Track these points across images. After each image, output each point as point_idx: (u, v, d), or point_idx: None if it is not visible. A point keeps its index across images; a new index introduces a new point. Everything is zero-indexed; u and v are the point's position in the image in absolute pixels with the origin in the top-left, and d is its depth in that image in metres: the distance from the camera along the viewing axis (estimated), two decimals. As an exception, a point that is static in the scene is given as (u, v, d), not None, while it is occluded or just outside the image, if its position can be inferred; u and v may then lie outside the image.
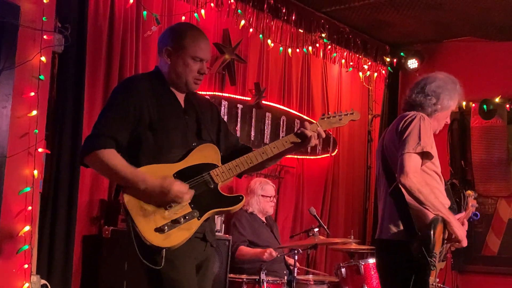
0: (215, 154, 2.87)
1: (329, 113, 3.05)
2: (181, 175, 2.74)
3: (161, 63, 2.94)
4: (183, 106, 2.93)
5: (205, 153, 2.84)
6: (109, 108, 2.82)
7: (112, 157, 2.68)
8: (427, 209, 3.09)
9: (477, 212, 3.63)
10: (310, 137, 2.89)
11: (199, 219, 2.72)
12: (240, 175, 3.01)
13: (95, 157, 2.69)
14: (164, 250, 2.64)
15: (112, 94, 2.90)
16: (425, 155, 3.13)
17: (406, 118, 3.23)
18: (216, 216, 3.41)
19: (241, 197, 2.83)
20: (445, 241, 3.17)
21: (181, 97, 2.94)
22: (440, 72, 3.50)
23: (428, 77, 3.43)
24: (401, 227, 3.13)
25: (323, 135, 2.94)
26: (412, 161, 3.07)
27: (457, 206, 3.43)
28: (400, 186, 3.09)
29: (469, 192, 3.70)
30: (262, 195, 5.59)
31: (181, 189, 2.66)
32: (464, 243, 3.19)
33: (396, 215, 3.16)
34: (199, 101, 3.04)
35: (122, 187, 2.73)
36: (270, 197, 5.61)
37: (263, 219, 5.66)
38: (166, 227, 2.64)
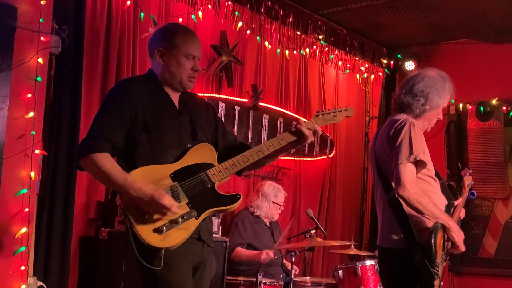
0: (211, 153, 2.87)
1: (324, 110, 3.04)
2: (178, 175, 2.74)
3: (153, 65, 2.94)
4: (177, 107, 2.93)
5: (202, 153, 2.85)
6: (104, 111, 2.82)
7: (106, 161, 2.69)
8: (427, 217, 3.08)
9: (473, 191, 3.63)
10: (306, 133, 2.89)
11: (197, 219, 2.72)
12: (239, 173, 3.01)
13: (90, 161, 2.69)
14: (162, 250, 2.64)
15: (107, 96, 2.90)
16: (419, 164, 3.11)
17: (396, 125, 3.19)
18: (213, 218, 3.41)
19: (238, 196, 2.83)
20: (446, 244, 3.17)
21: (175, 97, 2.94)
22: (431, 69, 3.43)
23: (417, 75, 3.35)
24: (402, 236, 3.11)
25: (319, 131, 2.95)
26: (408, 171, 3.05)
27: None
28: (397, 196, 3.08)
29: (464, 171, 3.68)
30: (273, 202, 5.58)
31: (169, 204, 2.64)
32: (462, 248, 3.18)
33: (395, 223, 3.14)
34: (195, 102, 3.04)
35: None
36: (280, 205, 5.61)
37: (267, 222, 5.65)
38: (164, 228, 2.64)
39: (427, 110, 3.30)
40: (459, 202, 3.46)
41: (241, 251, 5.32)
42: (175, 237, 2.66)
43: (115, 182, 2.68)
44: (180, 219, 2.67)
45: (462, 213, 3.51)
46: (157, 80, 2.90)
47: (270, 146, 2.90)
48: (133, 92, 2.81)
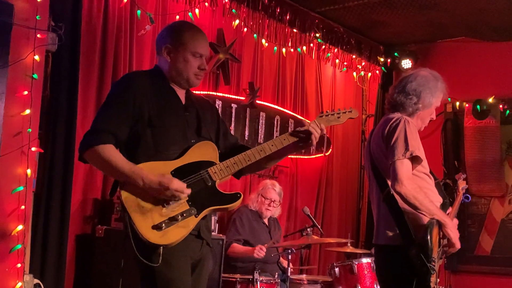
0: (213, 151, 2.86)
1: (327, 111, 3.03)
2: (178, 173, 2.73)
3: (160, 62, 2.93)
4: (183, 103, 2.92)
5: (203, 151, 2.83)
6: (108, 104, 2.81)
7: (112, 153, 2.67)
8: (422, 213, 3.09)
9: (467, 195, 3.66)
10: (312, 133, 2.87)
11: (196, 217, 2.71)
12: (239, 176, 3.01)
13: (95, 153, 2.68)
14: (161, 247, 2.63)
15: (111, 89, 2.89)
16: (415, 160, 3.13)
17: (391, 123, 3.22)
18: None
19: (238, 195, 2.82)
20: (442, 242, 3.18)
21: (181, 94, 2.94)
22: (423, 68, 3.47)
23: (409, 75, 3.39)
24: (397, 232, 3.13)
25: (324, 132, 2.94)
26: (404, 168, 3.07)
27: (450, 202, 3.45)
28: (393, 192, 3.09)
29: (458, 175, 3.72)
30: (261, 195, 5.59)
31: (180, 187, 2.65)
32: (458, 245, 3.20)
33: (391, 220, 3.16)
34: (199, 100, 3.04)
35: (119, 185, 2.72)
36: (268, 199, 5.59)
37: (265, 220, 5.65)
38: (163, 225, 2.63)
39: (420, 108, 3.33)
40: (453, 207, 3.47)
41: (237, 247, 5.33)
42: (174, 235, 2.65)
43: (122, 171, 2.66)
44: (179, 217, 2.66)
45: (454, 222, 3.52)
46: (164, 76, 2.90)
47: (272, 145, 2.89)
48: (138, 86, 2.80)
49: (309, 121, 2.96)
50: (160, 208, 2.67)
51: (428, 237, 2.99)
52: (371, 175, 3.33)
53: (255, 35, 5.98)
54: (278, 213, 5.84)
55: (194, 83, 2.91)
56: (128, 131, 2.75)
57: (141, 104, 2.76)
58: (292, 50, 6.44)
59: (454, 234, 3.15)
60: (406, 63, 7.32)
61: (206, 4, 5.44)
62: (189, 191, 2.69)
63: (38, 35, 4.23)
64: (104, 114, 2.76)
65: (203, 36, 2.93)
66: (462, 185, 3.65)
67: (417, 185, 3.10)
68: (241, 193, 2.84)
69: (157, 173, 2.67)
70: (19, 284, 4.07)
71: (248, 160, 2.85)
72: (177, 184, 2.65)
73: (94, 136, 2.70)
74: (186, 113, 2.89)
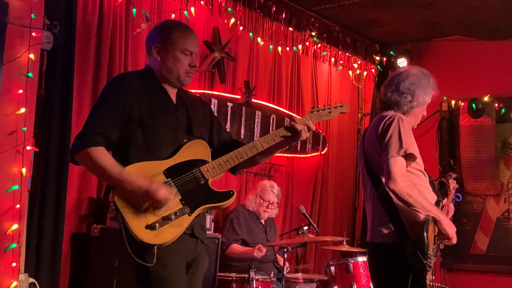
0: (205, 150, 2.86)
1: (319, 106, 3.04)
2: (171, 172, 2.73)
3: (150, 61, 2.93)
4: (174, 102, 2.92)
5: (195, 149, 2.83)
6: (99, 105, 2.81)
7: (101, 156, 2.67)
8: (417, 211, 3.10)
9: (458, 194, 3.67)
10: (301, 130, 2.88)
11: (190, 215, 2.72)
12: (234, 171, 3.00)
13: (85, 155, 2.68)
14: (155, 247, 2.63)
15: (103, 91, 2.88)
16: (409, 157, 3.14)
17: (385, 120, 3.23)
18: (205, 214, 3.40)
19: (232, 192, 2.82)
20: (437, 239, 3.19)
21: (172, 93, 2.93)
22: (412, 66, 3.52)
23: (401, 73, 3.41)
24: (392, 230, 3.13)
25: (313, 128, 2.94)
26: (398, 165, 3.08)
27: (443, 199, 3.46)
28: (388, 190, 3.09)
29: (448, 175, 3.73)
30: (260, 196, 5.59)
31: (165, 196, 2.65)
32: (454, 240, 3.21)
33: (386, 217, 3.16)
34: (191, 99, 3.04)
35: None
36: (266, 201, 5.59)
37: (262, 221, 5.65)
38: (157, 224, 2.64)
39: (415, 106, 3.36)
40: (446, 201, 3.48)
41: (236, 248, 5.33)
42: (168, 234, 2.65)
43: (111, 175, 2.67)
44: (173, 216, 2.67)
45: (450, 211, 3.54)
46: (155, 76, 2.90)
47: (264, 142, 2.89)
48: (129, 87, 2.80)
49: (299, 117, 2.95)
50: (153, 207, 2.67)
51: (425, 234, 3.00)
52: (365, 173, 3.34)
53: (250, 33, 5.97)
54: (275, 213, 5.84)
55: (185, 81, 2.91)
56: (120, 132, 2.75)
57: (132, 104, 2.76)
58: (287, 48, 6.44)
59: (450, 230, 3.16)
60: (402, 62, 7.33)
61: (202, 2, 5.44)
62: (176, 199, 2.69)
63: (33, 34, 4.21)
64: (95, 116, 2.76)
65: (192, 33, 2.93)
66: (452, 184, 3.67)
67: (411, 182, 3.11)
68: (234, 191, 2.84)
69: (147, 175, 2.67)
70: (14, 283, 4.06)
71: (240, 158, 2.85)
72: (163, 194, 2.64)
73: (85, 138, 2.70)
74: (177, 113, 2.89)
